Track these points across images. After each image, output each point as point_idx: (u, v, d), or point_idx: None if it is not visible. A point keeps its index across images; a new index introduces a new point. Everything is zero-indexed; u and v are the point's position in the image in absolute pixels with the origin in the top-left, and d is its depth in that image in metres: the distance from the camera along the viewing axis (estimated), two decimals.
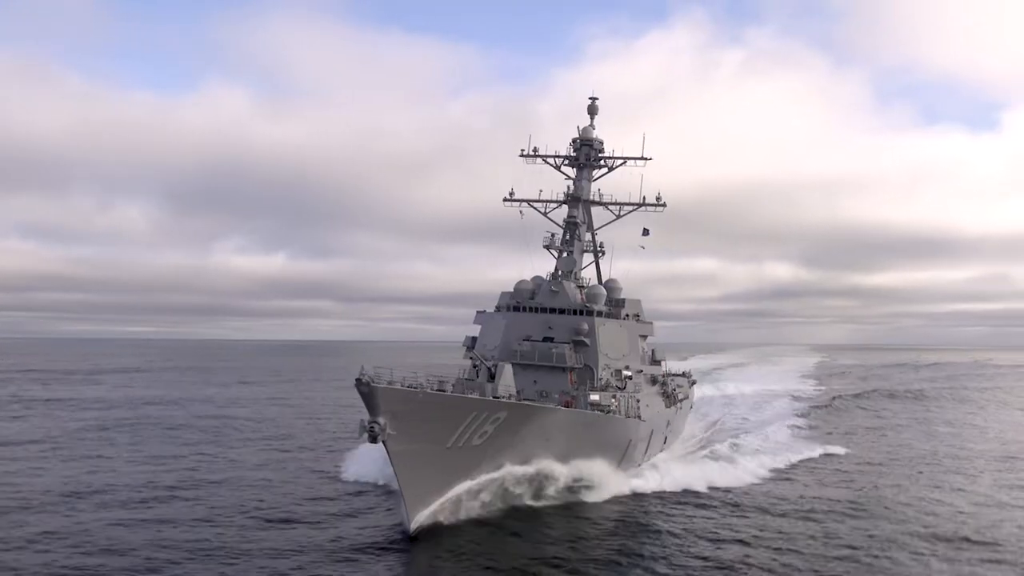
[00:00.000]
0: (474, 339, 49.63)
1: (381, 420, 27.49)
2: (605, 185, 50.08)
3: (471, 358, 46.36)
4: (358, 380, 27.31)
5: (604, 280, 49.55)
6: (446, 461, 30.32)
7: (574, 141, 50.07)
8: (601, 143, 49.74)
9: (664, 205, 49.21)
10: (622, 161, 49.72)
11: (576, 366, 41.61)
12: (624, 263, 50.43)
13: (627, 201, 49.63)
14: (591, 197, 49.41)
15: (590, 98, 50.39)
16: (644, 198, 49.52)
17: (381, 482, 37.51)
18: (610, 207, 50.13)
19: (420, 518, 29.54)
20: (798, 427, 63.50)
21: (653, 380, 48.66)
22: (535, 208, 50.97)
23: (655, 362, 47.12)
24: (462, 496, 31.39)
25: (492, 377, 37.10)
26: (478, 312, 48.43)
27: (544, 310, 44.14)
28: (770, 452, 47.75)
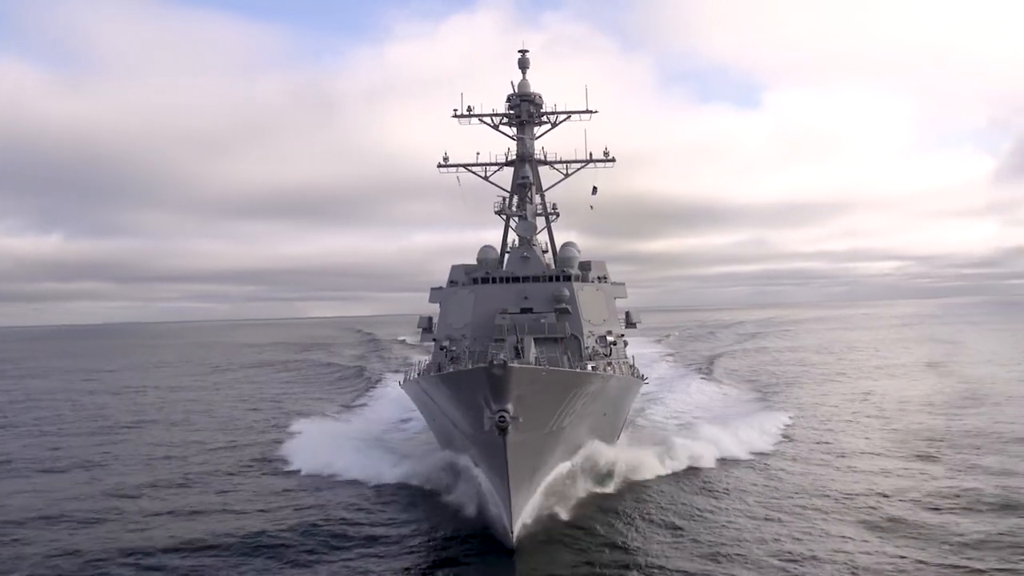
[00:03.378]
0: (430, 319, 45.07)
1: (510, 407, 22.61)
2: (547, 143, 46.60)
3: (436, 341, 41.92)
4: (492, 364, 22.32)
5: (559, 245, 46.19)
6: (544, 448, 25.99)
7: (511, 98, 46.20)
8: (541, 98, 46.18)
9: (613, 160, 46.24)
10: (566, 116, 46.37)
11: (565, 335, 38.18)
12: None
13: (574, 159, 46.42)
14: (536, 156, 45.82)
15: (520, 51, 46.46)
16: (591, 154, 46.46)
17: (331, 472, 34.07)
18: (556, 166, 46.72)
19: (523, 522, 24.76)
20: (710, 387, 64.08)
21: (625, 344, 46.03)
22: (474, 172, 46.76)
23: (630, 324, 44.38)
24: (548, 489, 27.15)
25: (519, 353, 33.21)
26: (433, 289, 43.73)
27: (516, 279, 40.27)
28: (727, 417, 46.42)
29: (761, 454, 36.51)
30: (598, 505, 28.59)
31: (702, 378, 70.15)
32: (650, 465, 32.70)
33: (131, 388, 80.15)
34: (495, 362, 22.33)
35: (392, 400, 58.00)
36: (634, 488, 30.91)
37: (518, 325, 37.27)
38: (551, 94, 46.44)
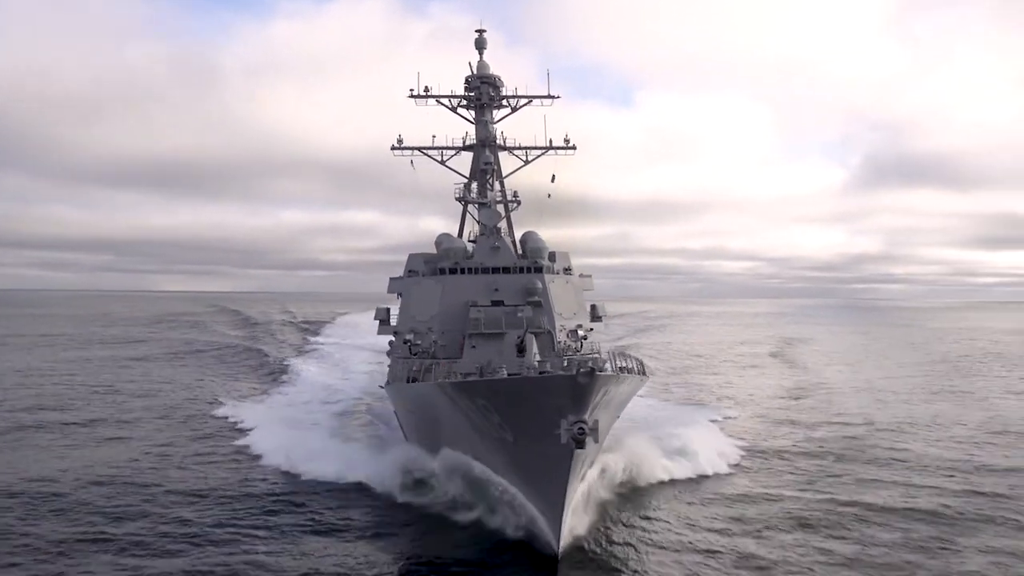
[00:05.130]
0: (388, 311, 42.29)
1: (588, 419, 20.49)
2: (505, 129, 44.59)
3: (398, 334, 39.19)
4: (580, 372, 20.21)
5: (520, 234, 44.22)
6: (590, 455, 24.24)
7: (468, 80, 43.97)
8: (500, 81, 44.13)
9: (574, 148, 44.80)
10: (527, 100, 44.50)
11: (542, 330, 36.30)
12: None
13: (534, 145, 44.61)
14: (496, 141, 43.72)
15: (477, 30, 44.33)
16: (551, 141, 44.80)
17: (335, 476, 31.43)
18: (515, 152, 44.74)
19: (567, 529, 23.04)
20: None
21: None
22: (430, 156, 44.30)
23: (596, 318, 42.69)
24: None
25: (521, 351, 31.11)
26: (392, 279, 41.05)
27: (486, 270, 38.15)
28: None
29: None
30: (617, 509, 27.50)
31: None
32: (655, 468, 31.49)
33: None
34: (581, 370, 20.41)
35: (316, 385, 58.22)
36: (641, 491, 29.84)
37: (496, 319, 35.31)
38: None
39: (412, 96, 43.85)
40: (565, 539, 22.63)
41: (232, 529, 25.58)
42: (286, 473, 32.42)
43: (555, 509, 22.34)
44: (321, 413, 47.21)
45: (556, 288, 38.37)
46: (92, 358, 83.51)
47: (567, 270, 41.07)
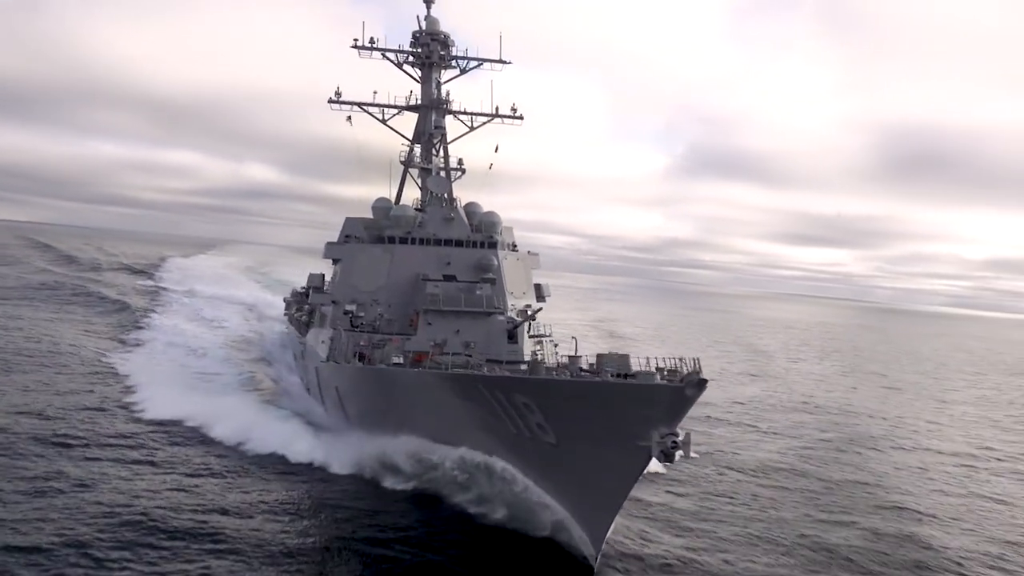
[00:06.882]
0: (323, 276, 39.02)
1: (680, 431, 18.95)
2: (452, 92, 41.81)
3: (336, 303, 35.98)
4: (687, 378, 18.51)
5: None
6: None
7: (416, 35, 40.93)
8: (451, 39, 41.34)
9: (521, 117, 42.70)
10: (478, 63, 41.96)
11: (497, 310, 34.42)
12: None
13: (481, 111, 42.21)
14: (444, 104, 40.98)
15: None
16: (497, 108, 42.53)
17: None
18: (460, 117, 42.13)
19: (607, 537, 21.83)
20: None
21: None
22: (370, 114, 41.04)
23: (541, 298, 40.85)
24: None
25: (512, 338, 29.06)
26: (329, 244, 37.68)
27: (438, 242, 35.80)
28: None
29: None
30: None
31: None
32: None
33: None
34: (688, 378, 18.72)
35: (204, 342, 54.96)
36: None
37: (456, 296, 33.26)
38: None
39: (356, 47, 40.45)
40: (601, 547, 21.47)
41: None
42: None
43: (604, 517, 21.14)
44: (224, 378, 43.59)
45: (508, 265, 36.70)
46: None
47: (513, 246, 39.34)
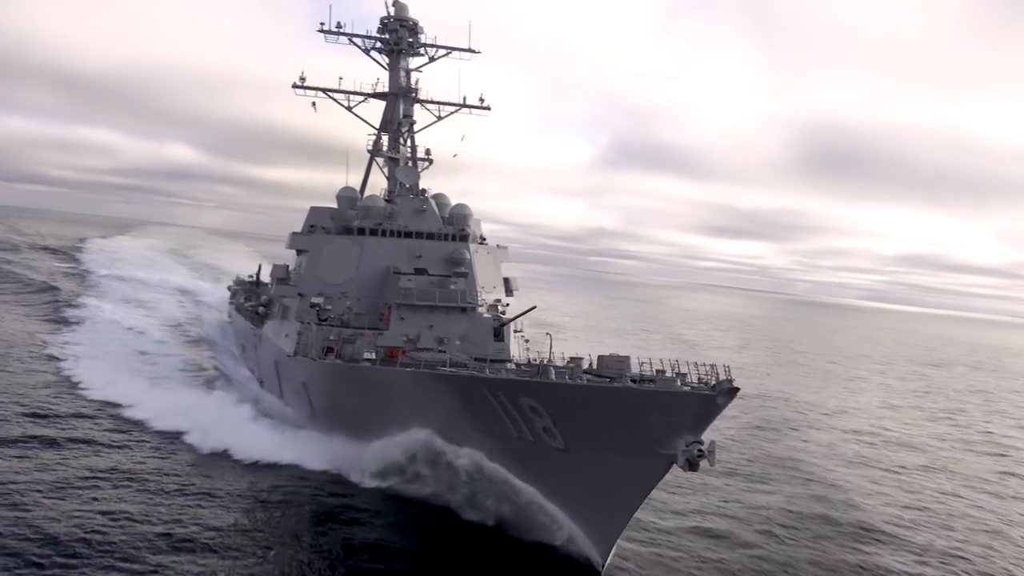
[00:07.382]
0: (287, 268, 37.77)
1: (705, 439, 18.59)
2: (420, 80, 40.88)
3: (301, 296, 34.77)
4: (718, 386, 18.16)
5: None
6: None
7: (385, 21, 39.82)
8: (420, 26, 40.34)
9: (489, 108, 41.98)
10: (447, 52, 41.01)
11: (470, 305, 33.79)
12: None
13: (448, 100, 41.33)
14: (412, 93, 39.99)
15: None
16: (465, 98, 41.71)
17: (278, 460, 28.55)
18: (428, 106, 41.14)
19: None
20: None
21: None
22: (335, 100, 39.82)
23: (509, 293, 40.14)
24: None
25: (498, 336, 28.32)
26: (294, 234, 36.39)
27: (409, 234, 34.96)
28: None
29: None
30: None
31: None
32: None
33: None
34: (720, 386, 18.31)
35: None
36: None
37: (430, 291, 32.54)
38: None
39: (322, 31, 39.21)
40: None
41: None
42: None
43: (614, 524, 20.87)
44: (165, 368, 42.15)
45: (479, 259, 36.09)
46: None
47: (482, 239, 38.72)
